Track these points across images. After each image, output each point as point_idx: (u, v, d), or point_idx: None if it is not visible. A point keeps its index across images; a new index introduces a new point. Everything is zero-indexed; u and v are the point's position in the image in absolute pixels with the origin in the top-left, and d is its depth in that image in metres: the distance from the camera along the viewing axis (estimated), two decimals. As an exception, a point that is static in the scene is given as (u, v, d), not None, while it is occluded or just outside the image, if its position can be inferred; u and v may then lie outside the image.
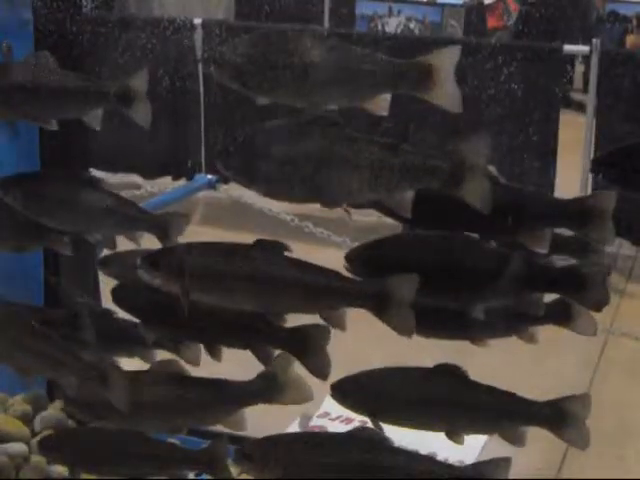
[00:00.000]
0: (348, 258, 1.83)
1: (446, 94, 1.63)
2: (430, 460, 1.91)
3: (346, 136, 1.67)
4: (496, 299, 1.80)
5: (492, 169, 1.74)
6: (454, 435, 1.86)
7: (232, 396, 1.97)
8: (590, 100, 5.13)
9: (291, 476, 1.84)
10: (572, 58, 5.34)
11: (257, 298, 1.79)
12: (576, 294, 1.77)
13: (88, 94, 1.94)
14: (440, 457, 3.18)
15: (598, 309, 1.77)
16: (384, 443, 1.86)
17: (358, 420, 3.37)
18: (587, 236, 1.76)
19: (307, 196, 1.72)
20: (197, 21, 5.53)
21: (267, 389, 1.93)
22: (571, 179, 4.98)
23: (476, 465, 1.85)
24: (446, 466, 1.88)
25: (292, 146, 1.68)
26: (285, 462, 1.84)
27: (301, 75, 1.64)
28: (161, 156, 5.63)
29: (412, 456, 1.89)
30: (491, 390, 1.87)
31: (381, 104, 1.68)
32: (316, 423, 3.48)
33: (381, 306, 1.72)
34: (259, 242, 1.80)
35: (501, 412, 1.87)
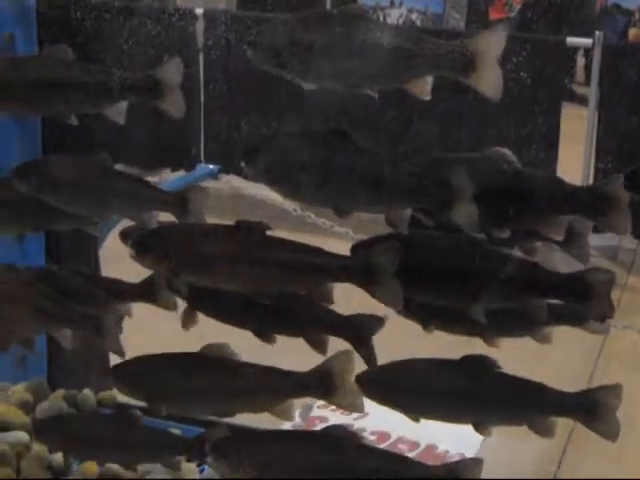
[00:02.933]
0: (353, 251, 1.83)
1: (487, 80, 1.59)
2: (403, 459, 1.89)
3: (354, 149, 1.69)
4: (498, 302, 1.78)
5: (509, 153, 1.74)
6: (482, 427, 1.84)
7: (282, 385, 1.91)
8: (592, 93, 5.13)
9: (263, 474, 1.83)
10: (575, 51, 5.32)
11: (242, 278, 1.79)
12: (580, 303, 1.75)
13: (112, 87, 1.88)
14: (440, 449, 3.21)
15: (601, 320, 1.76)
16: (357, 442, 1.84)
17: (358, 411, 3.39)
18: (603, 224, 1.72)
19: (318, 202, 1.75)
20: (199, 11, 5.53)
21: (320, 386, 1.86)
22: (573, 172, 4.98)
23: (448, 465, 1.83)
24: (418, 465, 1.86)
25: (306, 155, 1.69)
26: (258, 460, 1.83)
27: (341, 57, 1.60)
28: (161, 147, 5.63)
29: (385, 455, 1.88)
30: (519, 381, 1.85)
31: (424, 87, 1.65)
32: (316, 414, 3.48)
33: (366, 279, 1.72)
34: (241, 223, 1.81)
35: (530, 403, 1.84)
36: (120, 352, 1.99)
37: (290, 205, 3.79)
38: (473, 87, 1.60)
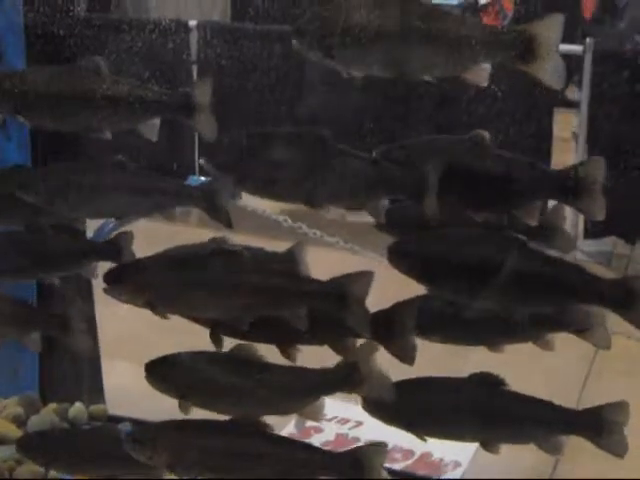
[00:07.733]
0: (391, 252, 1.78)
1: (549, 68, 1.53)
2: (308, 448, 1.93)
3: (332, 149, 1.70)
4: (542, 306, 1.77)
5: (486, 135, 1.72)
6: (489, 445, 1.84)
7: (310, 384, 1.89)
8: (584, 99, 5.14)
9: (176, 460, 1.87)
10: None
11: (219, 305, 1.81)
12: (622, 309, 1.72)
13: (146, 103, 1.86)
14: (435, 457, 3.20)
15: None
16: (265, 431, 1.89)
17: (354, 421, 3.38)
18: (579, 209, 1.69)
19: (292, 198, 1.76)
20: (192, 23, 5.54)
21: (348, 379, 1.85)
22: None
23: (353, 451, 1.85)
24: (322, 453, 1.90)
25: (282, 154, 1.71)
26: (171, 447, 1.87)
27: (394, 43, 1.54)
28: (154, 158, 5.62)
29: (291, 444, 1.92)
30: (527, 399, 1.84)
31: (482, 74, 1.59)
32: (311, 424, 3.47)
33: (340, 305, 1.74)
34: (217, 250, 1.82)
35: (538, 421, 1.84)
36: (94, 352, 1.97)
37: (281, 216, 3.79)
38: (533, 75, 1.54)
